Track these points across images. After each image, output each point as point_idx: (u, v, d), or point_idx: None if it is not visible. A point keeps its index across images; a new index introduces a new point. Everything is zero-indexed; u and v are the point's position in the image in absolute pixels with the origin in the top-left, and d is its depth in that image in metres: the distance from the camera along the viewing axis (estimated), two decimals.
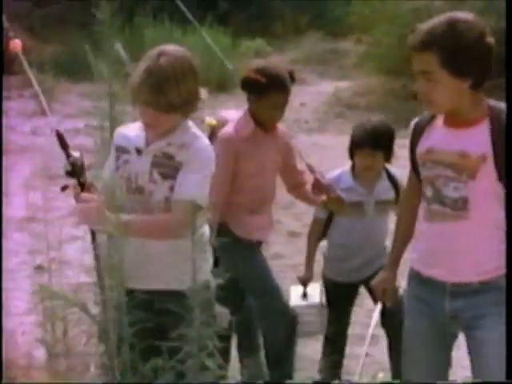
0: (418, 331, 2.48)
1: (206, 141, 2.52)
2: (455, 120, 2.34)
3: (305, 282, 3.47)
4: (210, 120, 3.33)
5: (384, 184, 3.44)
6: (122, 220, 2.27)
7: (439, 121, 2.40)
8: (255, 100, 3.20)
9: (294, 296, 3.45)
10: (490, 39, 2.26)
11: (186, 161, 2.42)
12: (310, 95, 10.40)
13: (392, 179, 3.45)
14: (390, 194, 3.43)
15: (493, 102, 2.34)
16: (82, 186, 2.31)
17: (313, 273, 3.51)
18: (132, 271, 2.38)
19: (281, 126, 3.35)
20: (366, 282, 3.37)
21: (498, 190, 2.30)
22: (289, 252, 5.20)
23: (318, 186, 3.34)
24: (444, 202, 2.34)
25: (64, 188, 2.33)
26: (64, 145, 2.32)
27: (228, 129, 3.22)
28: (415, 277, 2.48)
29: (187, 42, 11.46)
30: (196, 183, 2.39)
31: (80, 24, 10.85)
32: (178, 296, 2.22)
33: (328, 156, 6.64)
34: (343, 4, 12.68)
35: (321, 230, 3.49)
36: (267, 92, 3.15)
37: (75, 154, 2.31)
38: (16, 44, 2.42)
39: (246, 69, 3.25)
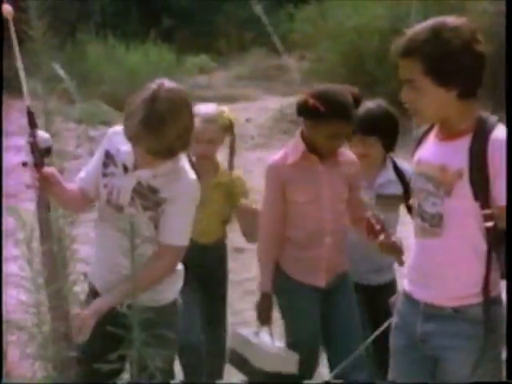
0: (398, 348, 2.35)
1: (192, 175, 2.50)
2: (443, 131, 2.22)
3: None
4: None
5: (387, 176, 3.12)
6: (123, 290, 2.32)
7: (433, 132, 2.27)
8: (312, 126, 2.87)
9: None
10: (481, 46, 2.12)
11: (171, 197, 2.44)
12: (255, 111, 10.43)
13: (399, 172, 3.13)
14: (396, 189, 3.10)
15: (484, 115, 2.17)
16: (37, 168, 2.34)
17: None
18: (105, 283, 2.53)
19: (348, 153, 3.00)
20: (372, 294, 3.14)
21: (475, 210, 2.12)
22: (234, 267, 5.17)
23: (370, 230, 2.68)
24: (423, 216, 2.22)
25: (24, 164, 2.36)
26: (32, 123, 2.37)
27: (276, 156, 2.99)
28: (402, 293, 2.37)
29: (130, 58, 11.41)
30: (182, 227, 2.48)
31: (18, 40, 10.68)
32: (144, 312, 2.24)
33: None
34: (286, 21, 12.80)
35: None
36: (326, 120, 2.81)
37: (44, 135, 2.35)
38: (8, 9, 2.30)
39: (305, 92, 2.90)
